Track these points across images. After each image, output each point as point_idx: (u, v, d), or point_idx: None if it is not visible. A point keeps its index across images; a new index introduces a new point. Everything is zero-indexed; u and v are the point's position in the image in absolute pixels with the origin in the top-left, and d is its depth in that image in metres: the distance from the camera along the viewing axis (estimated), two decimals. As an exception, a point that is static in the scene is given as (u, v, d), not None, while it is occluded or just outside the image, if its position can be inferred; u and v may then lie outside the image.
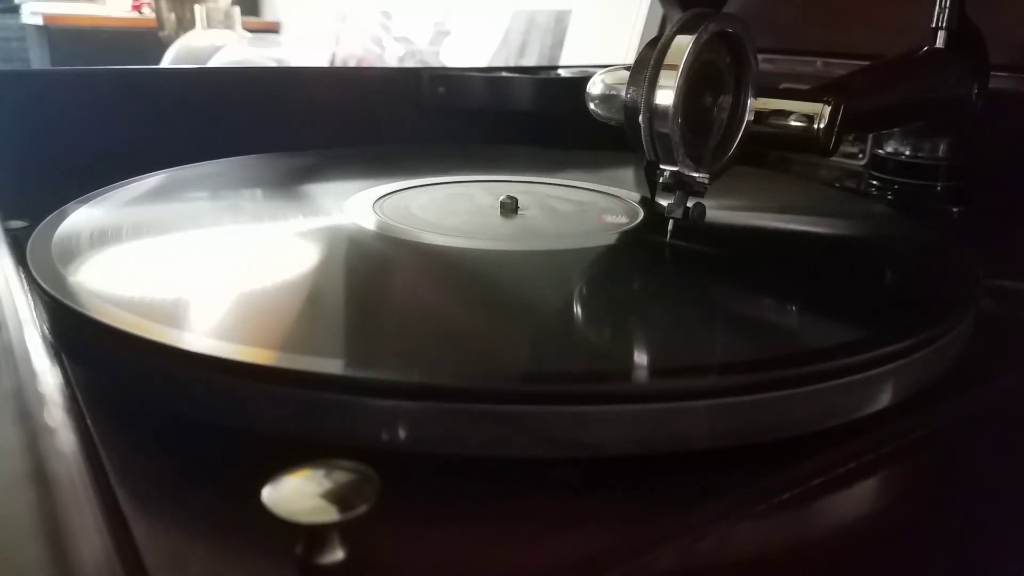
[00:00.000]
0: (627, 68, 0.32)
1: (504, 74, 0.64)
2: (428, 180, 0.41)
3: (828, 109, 0.34)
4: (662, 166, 0.31)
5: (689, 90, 0.30)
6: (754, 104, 0.33)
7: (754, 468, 0.20)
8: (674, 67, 0.29)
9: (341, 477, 0.16)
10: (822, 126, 0.34)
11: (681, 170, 0.31)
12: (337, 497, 0.16)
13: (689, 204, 0.32)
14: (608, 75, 0.36)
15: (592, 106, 0.37)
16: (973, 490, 0.22)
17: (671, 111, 0.30)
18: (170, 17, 1.69)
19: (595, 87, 0.37)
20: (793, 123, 0.34)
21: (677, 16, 0.31)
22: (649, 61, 0.30)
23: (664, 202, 0.32)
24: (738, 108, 0.33)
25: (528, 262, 0.30)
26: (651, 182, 0.32)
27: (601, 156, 0.50)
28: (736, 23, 0.31)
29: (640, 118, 0.30)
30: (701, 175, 0.31)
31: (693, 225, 0.32)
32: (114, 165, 0.39)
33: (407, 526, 0.18)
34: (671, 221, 0.32)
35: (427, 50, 1.28)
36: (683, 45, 0.29)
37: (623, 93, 0.31)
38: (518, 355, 0.23)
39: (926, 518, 0.21)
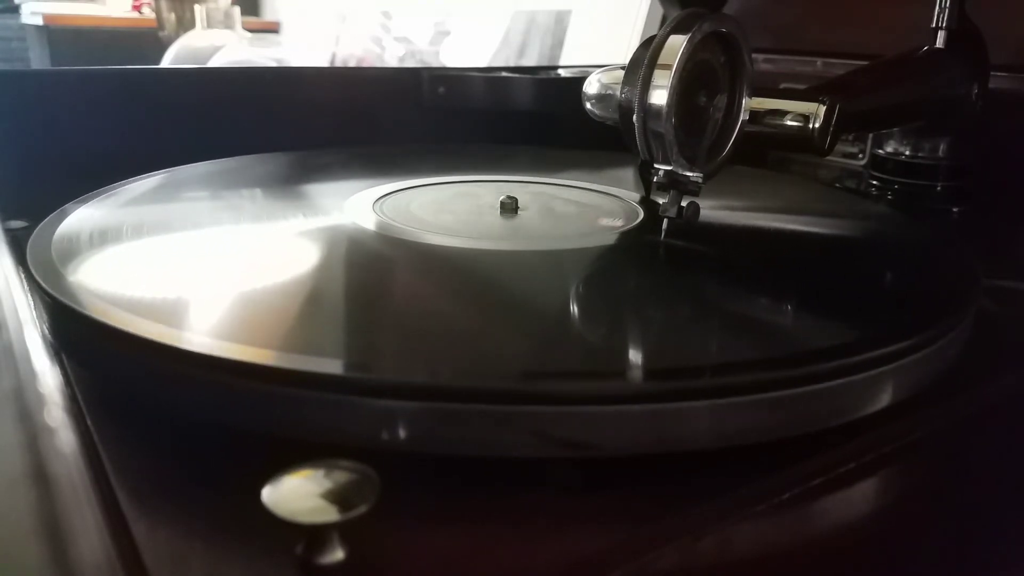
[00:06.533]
0: (623, 68, 0.32)
1: (504, 74, 0.64)
2: (428, 180, 0.41)
3: (823, 109, 0.34)
4: (656, 165, 0.31)
5: (683, 90, 0.30)
6: (749, 104, 0.33)
7: (754, 468, 0.20)
8: (668, 67, 0.29)
9: (341, 477, 0.16)
10: (817, 125, 0.34)
11: (675, 169, 0.31)
12: (337, 497, 0.16)
13: (683, 203, 0.32)
14: (604, 75, 0.36)
15: (588, 106, 0.37)
16: (973, 490, 0.22)
17: (665, 111, 0.30)
18: (170, 17, 1.69)
19: (591, 87, 0.37)
20: (789, 123, 0.34)
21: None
22: (643, 61, 0.30)
23: (660, 200, 0.32)
24: (733, 108, 0.33)
25: (528, 262, 0.30)
26: (646, 181, 0.32)
27: (601, 156, 0.50)
28: (731, 23, 0.31)
29: (634, 118, 0.30)
30: (695, 175, 0.31)
31: (688, 224, 0.32)
32: (114, 165, 0.39)
33: (407, 526, 0.18)
34: (665, 220, 0.32)
35: (427, 50, 1.28)
36: (677, 45, 0.29)
37: (618, 93, 0.31)
38: (517, 355, 0.23)
39: (926, 518, 0.21)
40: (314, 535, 0.16)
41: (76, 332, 0.24)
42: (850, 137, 0.53)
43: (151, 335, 0.21)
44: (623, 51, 0.88)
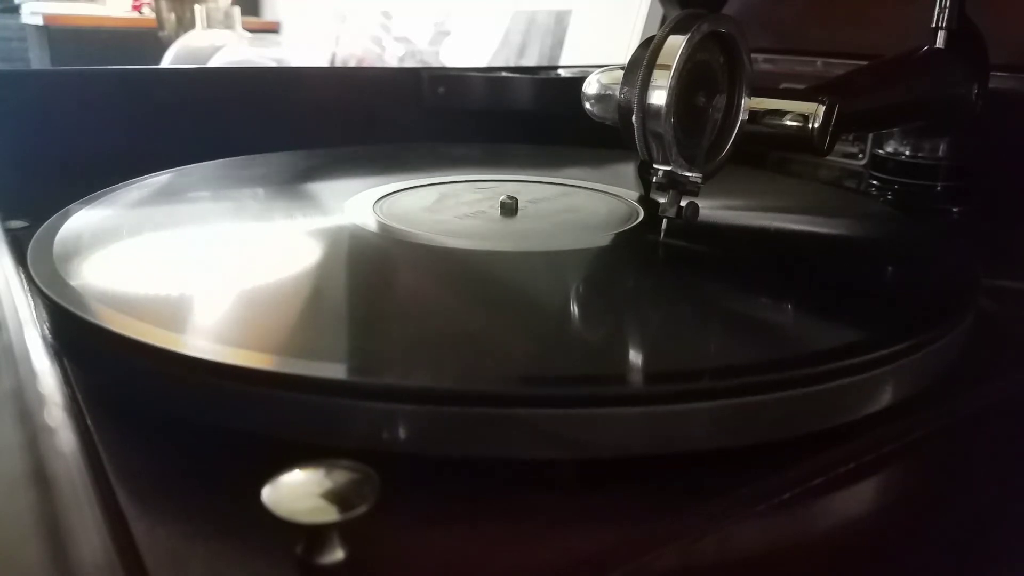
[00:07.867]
0: (623, 68, 0.32)
1: (504, 74, 0.64)
2: (428, 180, 0.41)
3: (823, 109, 0.34)
4: (656, 165, 0.31)
5: (682, 90, 0.30)
6: (749, 104, 0.33)
7: (754, 468, 0.20)
8: (667, 67, 0.29)
9: (341, 477, 0.16)
10: (816, 125, 0.34)
11: (674, 169, 0.31)
12: (337, 497, 0.16)
13: (682, 203, 0.32)
14: (604, 75, 0.36)
15: (588, 106, 0.37)
16: (973, 490, 0.22)
17: (664, 111, 0.30)
18: (170, 17, 1.69)
19: (591, 87, 0.37)
20: (788, 123, 0.34)
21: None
22: (642, 61, 0.30)
23: (659, 200, 0.32)
24: (732, 108, 0.33)
25: (528, 262, 0.30)
26: (645, 181, 0.32)
27: (601, 156, 0.50)
28: (729, 23, 0.31)
29: (634, 118, 0.30)
30: (694, 175, 0.31)
31: (687, 224, 0.32)
32: (114, 165, 0.39)
33: (407, 526, 0.18)
34: (664, 220, 0.32)
35: (427, 50, 1.28)
36: (676, 45, 0.29)
37: (618, 93, 0.31)
38: (518, 357, 0.23)
39: (926, 518, 0.21)
40: (314, 535, 0.16)
41: (77, 336, 0.24)
42: (850, 137, 0.53)
43: (150, 339, 0.21)
44: (623, 51, 0.88)
